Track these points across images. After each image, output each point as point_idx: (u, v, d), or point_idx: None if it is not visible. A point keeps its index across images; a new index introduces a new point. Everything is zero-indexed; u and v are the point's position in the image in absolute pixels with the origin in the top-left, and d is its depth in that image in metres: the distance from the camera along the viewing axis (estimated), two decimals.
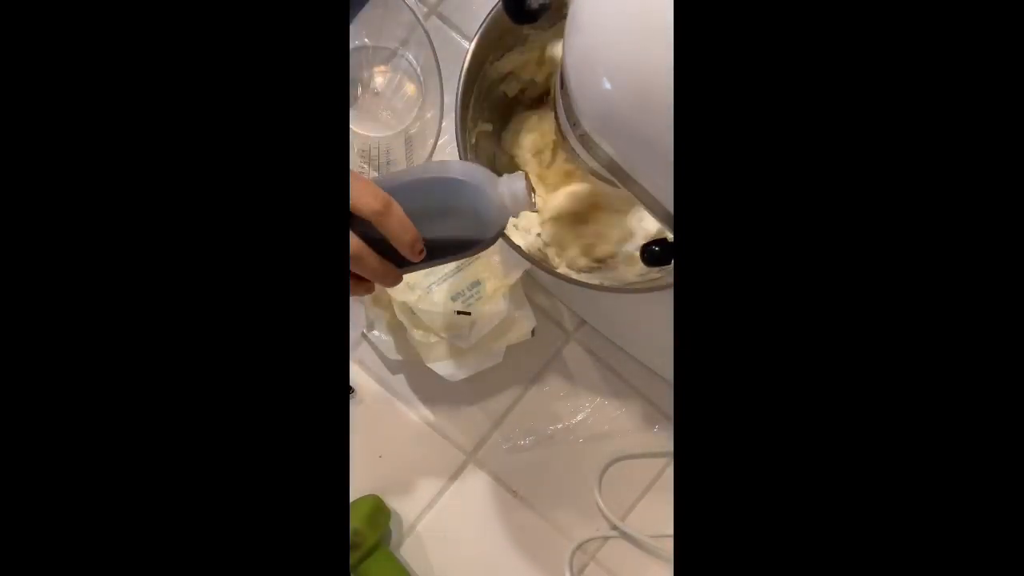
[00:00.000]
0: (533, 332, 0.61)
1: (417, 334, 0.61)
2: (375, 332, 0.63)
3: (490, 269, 0.61)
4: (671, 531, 0.62)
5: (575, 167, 0.58)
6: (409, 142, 0.63)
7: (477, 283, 0.61)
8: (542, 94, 0.60)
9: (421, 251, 0.41)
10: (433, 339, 0.61)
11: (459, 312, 0.61)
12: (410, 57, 0.63)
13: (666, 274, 0.53)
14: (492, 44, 0.53)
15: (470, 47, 0.52)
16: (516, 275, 0.60)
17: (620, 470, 0.64)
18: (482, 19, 0.51)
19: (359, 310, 0.63)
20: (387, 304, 0.62)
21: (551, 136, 0.59)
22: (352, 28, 0.63)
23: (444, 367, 0.61)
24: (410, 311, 0.61)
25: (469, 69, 0.52)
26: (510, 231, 0.57)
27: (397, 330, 0.62)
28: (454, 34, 0.64)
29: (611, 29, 0.34)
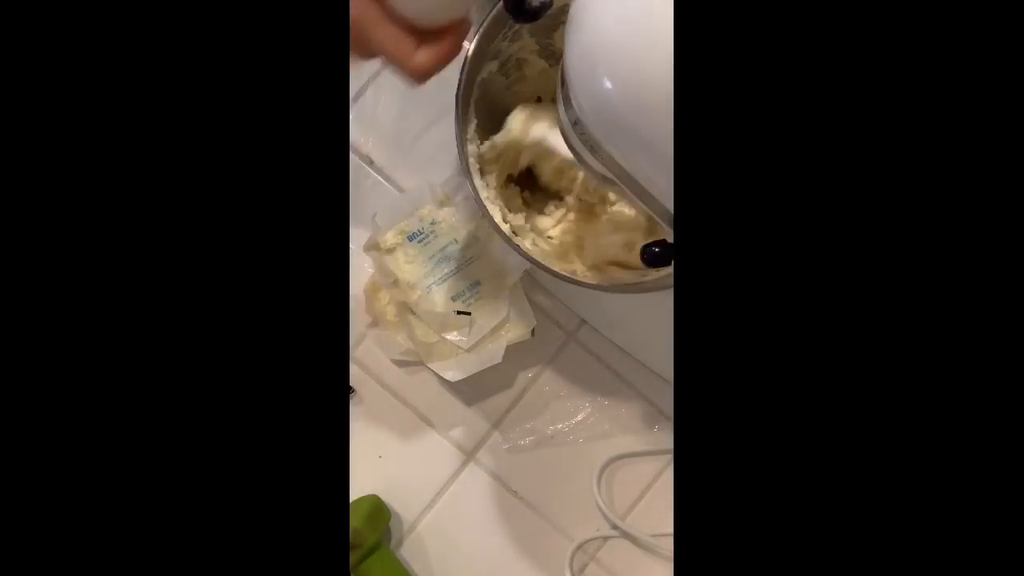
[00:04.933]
0: (533, 332, 0.61)
1: (417, 334, 0.61)
2: (375, 331, 0.63)
3: (490, 269, 0.61)
4: (671, 530, 0.62)
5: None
6: None
7: (477, 283, 0.61)
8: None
9: None
10: (433, 339, 0.61)
11: (459, 312, 0.61)
12: None
13: (666, 274, 0.53)
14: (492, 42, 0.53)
15: (470, 47, 0.52)
16: (516, 275, 0.60)
17: (620, 470, 0.64)
18: (482, 19, 0.51)
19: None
20: (387, 304, 0.62)
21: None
22: None
23: (444, 367, 0.61)
24: (410, 311, 0.61)
25: (469, 69, 0.52)
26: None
27: (397, 330, 0.62)
28: None
29: (612, 28, 0.34)
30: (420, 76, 0.39)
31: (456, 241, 0.62)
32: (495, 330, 0.61)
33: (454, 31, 0.39)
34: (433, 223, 0.62)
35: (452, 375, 0.61)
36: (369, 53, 0.39)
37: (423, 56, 0.39)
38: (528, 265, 0.59)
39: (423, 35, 0.39)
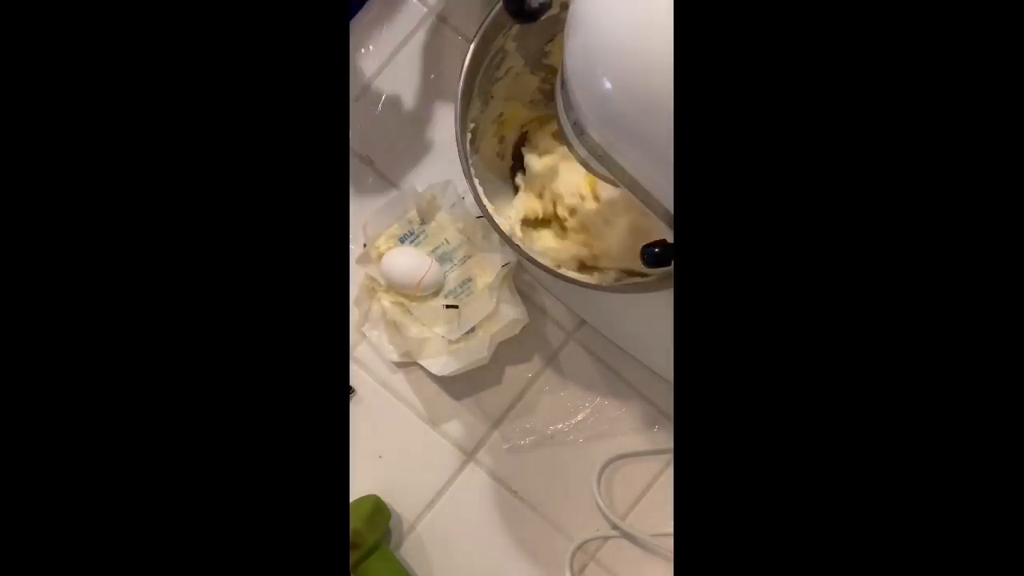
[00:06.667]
0: (523, 328, 0.61)
1: (412, 332, 0.61)
2: (374, 332, 0.63)
3: (481, 266, 0.62)
4: (671, 530, 0.62)
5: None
6: None
7: (469, 280, 0.62)
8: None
9: None
10: (426, 335, 0.61)
11: (447, 306, 0.61)
12: None
13: (666, 274, 0.53)
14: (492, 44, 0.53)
15: (470, 47, 0.52)
16: (505, 270, 0.60)
17: (620, 470, 0.64)
18: (482, 19, 0.51)
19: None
20: (384, 305, 0.63)
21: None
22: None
23: (433, 363, 0.61)
24: (406, 310, 0.61)
25: (469, 69, 0.52)
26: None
27: (394, 331, 0.62)
28: (454, 34, 0.64)
29: (612, 29, 0.34)
30: None
31: (447, 241, 0.62)
32: (482, 324, 0.61)
33: None
34: (423, 223, 0.62)
35: (439, 368, 0.61)
36: None
37: None
38: (514, 258, 0.59)
39: None
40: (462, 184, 0.58)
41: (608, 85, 0.34)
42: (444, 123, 0.64)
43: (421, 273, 0.60)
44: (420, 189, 0.62)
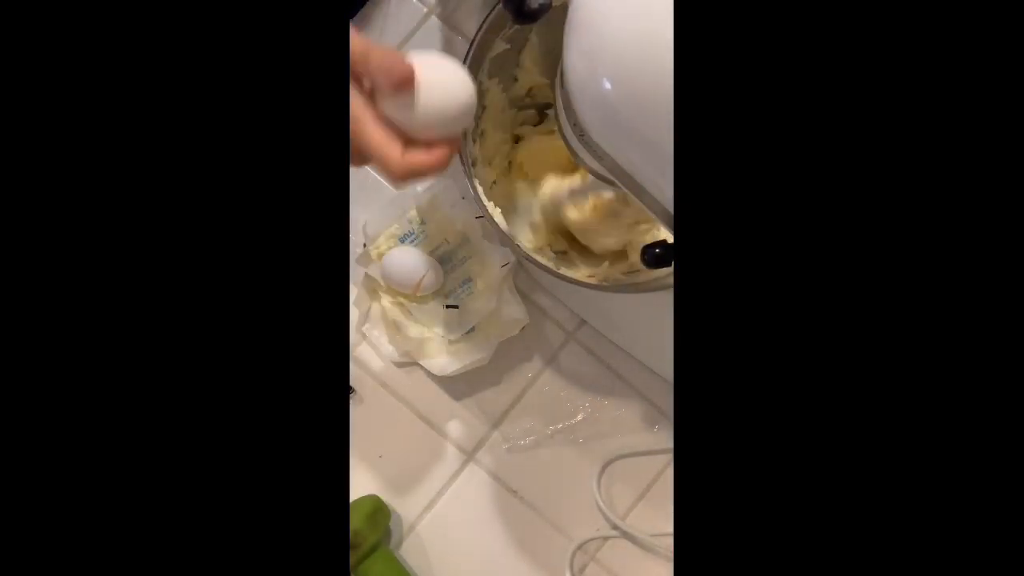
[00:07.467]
0: (523, 328, 0.61)
1: (412, 332, 0.61)
2: (374, 332, 0.63)
3: (482, 265, 0.62)
4: (671, 530, 0.62)
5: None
6: None
7: (469, 280, 0.62)
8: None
9: (409, 80, 0.36)
10: (427, 335, 0.61)
11: (447, 306, 0.61)
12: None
13: (666, 274, 0.53)
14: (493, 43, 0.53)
15: (470, 47, 0.52)
16: (505, 270, 0.60)
17: (620, 470, 0.64)
18: (482, 19, 0.52)
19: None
20: (384, 305, 0.63)
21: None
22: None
23: (434, 363, 0.61)
24: (406, 310, 0.61)
25: (469, 70, 0.52)
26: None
27: (394, 331, 0.62)
28: (454, 34, 0.64)
29: (611, 29, 0.34)
30: (402, 176, 0.38)
31: (447, 241, 0.62)
32: (484, 324, 0.61)
33: (446, 144, 0.39)
34: (423, 223, 0.62)
35: (439, 368, 0.61)
36: (361, 157, 0.38)
37: (409, 157, 0.38)
38: (513, 258, 0.59)
39: (414, 142, 0.38)
40: (462, 184, 0.58)
41: (608, 85, 0.34)
42: None
43: (421, 273, 0.60)
44: (420, 189, 0.62)
